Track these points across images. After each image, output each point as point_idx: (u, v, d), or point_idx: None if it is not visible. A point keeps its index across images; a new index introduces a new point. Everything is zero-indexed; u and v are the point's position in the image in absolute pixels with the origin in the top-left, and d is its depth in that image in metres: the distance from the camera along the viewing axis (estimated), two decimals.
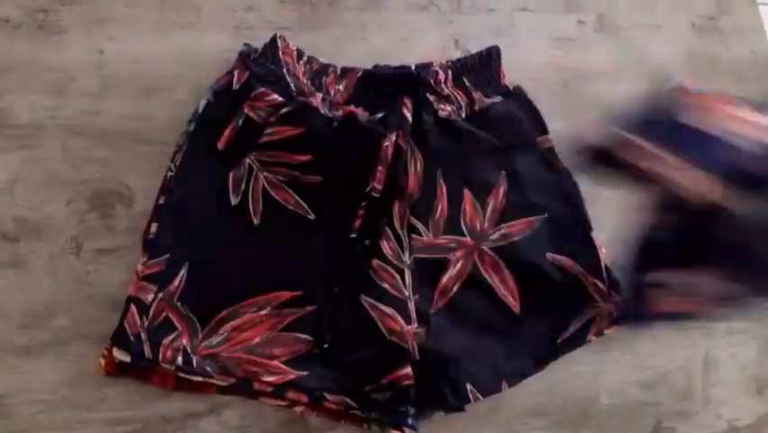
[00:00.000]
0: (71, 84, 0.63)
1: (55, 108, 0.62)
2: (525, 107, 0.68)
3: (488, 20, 0.76)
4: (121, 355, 0.54)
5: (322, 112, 0.62)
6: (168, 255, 0.57)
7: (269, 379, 0.56)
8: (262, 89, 0.61)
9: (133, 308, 0.55)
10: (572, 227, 0.66)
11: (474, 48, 0.71)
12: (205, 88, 0.63)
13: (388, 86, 0.65)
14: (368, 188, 0.61)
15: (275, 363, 0.57)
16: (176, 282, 0.57)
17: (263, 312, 0.58)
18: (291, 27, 0.70)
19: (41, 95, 0.63)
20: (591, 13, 0.80)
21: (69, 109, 0.63)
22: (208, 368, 0.56)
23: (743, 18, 0.85)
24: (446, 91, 0.66)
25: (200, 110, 0.62)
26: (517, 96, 0.69)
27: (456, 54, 0.73)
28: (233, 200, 0.60)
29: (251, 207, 0.61)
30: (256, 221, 0.61)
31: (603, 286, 0.64)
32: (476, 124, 0.67)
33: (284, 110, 0.61)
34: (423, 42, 0.73)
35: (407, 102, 0.64)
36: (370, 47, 0.72)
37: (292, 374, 0.57)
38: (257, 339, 0.58)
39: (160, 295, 0.56)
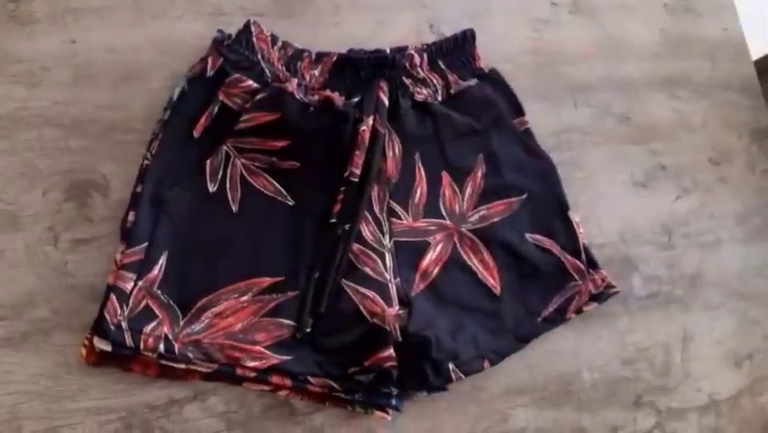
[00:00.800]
0: (44, 74, 0.63)
1: (29, 99, 0.62)
2: (501, 90, 0.69)
3: (462, 3, 0.76)
4: (102, 345, 0.54)
5: (297, 97, 0.62)
6: (146, 244, 0.57)
7: (252, 364, 0.56)
8: (237, 75, 0.61)
9: (113, 296, 0.55)
10: (550, 207, 0.67)
11: (449, 31, 0.72)
12: (180, 76, 0.63)
13: (363, 70, 0.65)
14: (346, 173, 0.61)
15: (257, 348, 0.57)
16: (155, 271, 0.57)
17: (244, 298, 0.58)
18: (265, 13, 0.70)
19: (14, 86, 0.62)
20: None
21: (43, 100, 0.62)
22: (190, 354, 0.56)
23: None
24: (422, 75, 0.67)
25: (175, 98, 0.61)
26: (493, 78, 0.69)
27: (431, 38, 0.73)
28: (211, 188, 0.60)
29: (229, 194, 0.61)
30: (234, 208, 0.61)
31: (582, 265, 0.65)
32: (452, 107, 0.67)
33: (259, 96, 0.61)
34: (398, 26, 0.74)
35: (383, 86, 0.64)
36: (345, 32, 0.72)
37: (275, 359, 0.57)
38: (238, 325, 0.58)
39: (140, 283, 0.56)
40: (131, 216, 0.58)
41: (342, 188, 0.61)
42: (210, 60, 0.62)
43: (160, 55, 0.66)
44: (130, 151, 0.62)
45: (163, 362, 0.55)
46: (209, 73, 0.61)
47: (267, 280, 0.59)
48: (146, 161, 0.60)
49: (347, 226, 0.60)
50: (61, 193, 0.60)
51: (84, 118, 0.62)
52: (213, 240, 0.60)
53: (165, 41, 0.66)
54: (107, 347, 0.54)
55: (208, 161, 0.60)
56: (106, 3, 0.66)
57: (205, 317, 0.57)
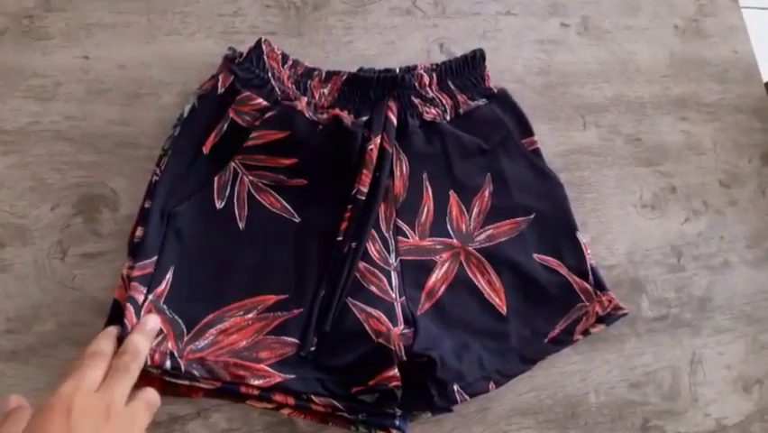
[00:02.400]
0: (57, 89, 0.63)
1: (40, 114, 0.62)
2: (510, 110, 0.69)
3: (472, 24, 0.77)
4: None
5: (307, 115, 0.62)
6: (156, 257, 0.57)
7: (256, 382, 0.56)
8: (247, 93, 0.61)
9: (130, 307, 0.54)
10: (558, 228, 0.66)
11: (459, 51, 0.72)
12: (191, 93, 0.63)
13: (372, 89, 0.65)
14: (353, 192, 0.61)
15: (261, 366, 0.57)
16: (163, 285, 0.57)
17: (249, 316, 0.58)
18: (277, 32, 0.71)
19: (27, 100, 0.63)
20: (575, 16, 0.81)
21: (55, 114, 0.63)
22: (195, 372, 0.55)
23: (725, 19, 0.86)
24: (431, 94, 0.67)
25: (185, 114, 0.62)
26: (502, 98, 0.69)
27: (441, 58, 0.73)
28: (219, 204, 0.60)
29: (236, 211, 0.61)
30: (241, 225, 0.61)
31: (589, 286, 0.64)
32: (461, 127, 0.67)
33: (269, 114, 0.61)
34: (408, 46, 0.74)
35: (392, 105, 0.65)
36: (356, 51, 0.72)
37: (279, 377, 0.56)
38: (243, 343, 0.57)
39: (150, 297, 0.56)
40: (139, 231, 0.58)
41: (350, 207, 0.61)
42: (221, 78, 0.62)
43: (172, 72, 0.66)
44: (139, 166, 0.62)
45: (167, 378, 0.55)
46: (220, 90, 0.62)
47: (272, 298, 0.59)
48: (155, 177, 0.60)
49: (353, 245, 0.60)
50: (70, 207, 0.60)
51: (95, 133, 0.63)
52: (219, 256, 0.60)
53: (177, 59, 0.67)
54: None
55: (216, 178, 0.61)
56: (120, 20, 0.67)
57: (209, 334, 0.57)
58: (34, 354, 0.56)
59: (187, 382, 0.55)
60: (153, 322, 0.53)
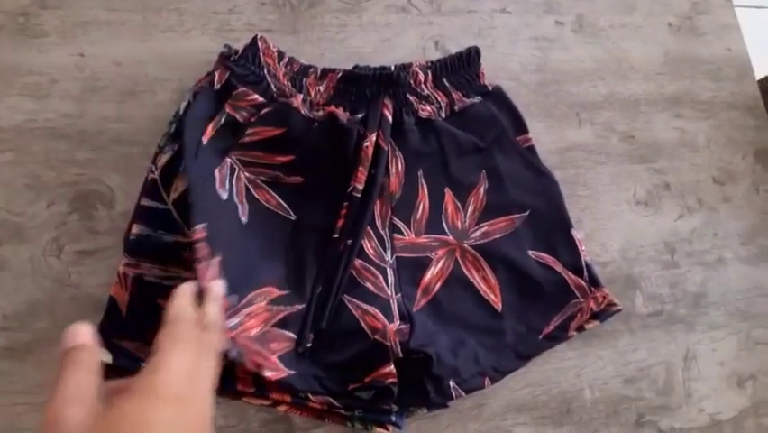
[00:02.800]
0: (52, 87, 0.63)
1: (36, 111, 0.62)
2: (505, 107, 0.69)
3: (467, 21, 0.77)
4: (102, 356, 0.54)
5: (302, 113, 0.62)
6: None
7: (269, 374, 0.55)
8: (243, 89, 0.61)
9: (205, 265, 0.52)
10: (553, 225, 0.67)
11: (454, 49, 0.72)
12: (186, 90, 0.63)
13: (368, 86, 0.65)
14: (349, 189, 0.61)
15: (273, 358, 0.56)
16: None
17: (262, 304, 0.58)
18: (272, 29, 0.71)
19: (22, 98, 0.63)
20: (570, 14, 0.81)
21: (50, 112, 0.63)
22: (231, 352, 0.54)
23: (719, 17, 0.87)
24: (426, 91, 0.67)
25: (181, 111, 0.62)
26: (497, 95, 0.69)
27: (436, 55, 0.74)
28: (224, 196, 0.60)
29: (238, 205, 0.61)
30: (244, 219, 0.61)
31: (584, 282, 0.65)
32: (456, 124, 0.67)
33: (265, 110, 0.61)
34: (403, 44, 0.74)
35: (388, 103, 0.65)
36: (351, 49, 0.72)
37: (284, 372, 0.56)
38: (255, 330, 0.57)
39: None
40: (134, 228, 0.58)
41: (345, 204, 0.61)
42: (217, 74, 0.62)
43: (167, 69, 0.66)
44: (135, 163, 0.62)
45: None
46: (216, 86, 0.62)
47: (276, 292, 0.59)
48: (151, 174, 0.60)
49: (349, 242, 0.61)
50: (66, 205, 0.60)
51: (90, 131, 0.63)
52: (231, 244, 0.59)
53: (172, 56, 0.67)
54: (108, 359, 0.54)
55: (217, 171, 0.61)
56: (115, 17, 0.67)
57: (241, 314, 0.55)
58: (30, 351, 0.56)
59: None
60: (219, 288, 0.49)
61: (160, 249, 0.58)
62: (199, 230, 0.53)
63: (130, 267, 0.57)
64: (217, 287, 0.49)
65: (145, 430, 0.34)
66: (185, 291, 0.45)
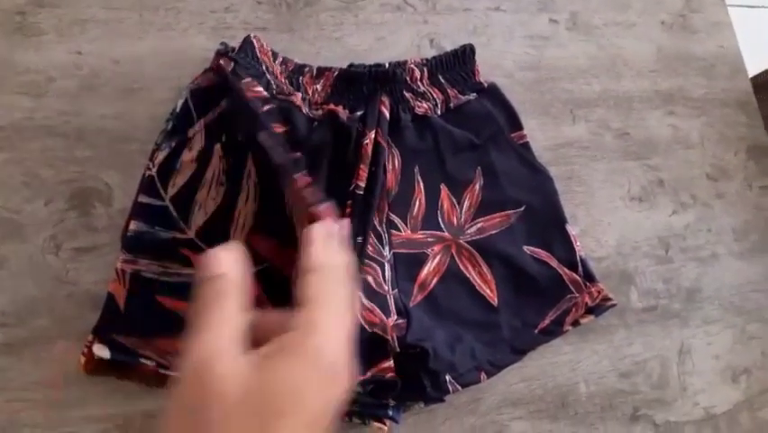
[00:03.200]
0: (50, 85, 0.64)
1: (33, 109, 0.63)
2: (500, 104, 0.70)
3: (462, 19, 0.78)
4: (100, 351, 0.54)
5: (303, 111, 0.63)
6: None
7: None
8: (249, 79, 0.62)
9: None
10: (548, 221, 0.67)
11: (449, 46, 0.73)
12: (183, 88, 0.64)
13: (365, 84, 0.66)
14: (351, 187, 0.62)
15: None
16: None
17: None
18: (268, 28, 0.71)
19: (20, 96, 0.63)
20: (564, 12, 0.82)
21: (48, 110, 0.63)
22: None
23: (712, 15, 0.87)
24: (422, 88, 0.68)
25: (178, 109, 0.62)
26: (492, 92, 0.70)
27: (431, 53, 0.74)
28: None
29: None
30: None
31: (579, 277, 0.65)
32: (452, 121, 0.68)
33: (267, 107, 0.61)
34: (398, 42, 0.75)
35: (386, 100, 0.65)
36: (347, 47, 0.73)
37: None
38: None
39: None
40: (132, 225, 0.58)
41: (349, 202, 0.62)
42: (223, 62, 0.62)
43: (165, 67, 0.67)
44: (133, 161, 0.62)
45: (162, 371, 0.56)
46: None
47: None
48: (148, 172, 0.61)
49: (360, 239, 0.61)
50: (64, 202, 0.61)
51: (88, 128, 0.63)
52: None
53: (169, 54, 0.67)
54: (106, 354, 0.55)
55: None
56: (113, 15, 0.68)
57: None
58: (29, 348, 0.56)
59: None
60: (346, 227, 0.44)
61: (157, 245, 0.58)
62: (302, 176, 0.51)
63: (128, 263, 0.57)
64: (345, 226, 0.43)
65: (300, 402, 0.31)
66: (322, 233, 0.39)
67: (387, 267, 0.62)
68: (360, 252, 0.60)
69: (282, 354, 0.32)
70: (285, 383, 0.31)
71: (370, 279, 0.60)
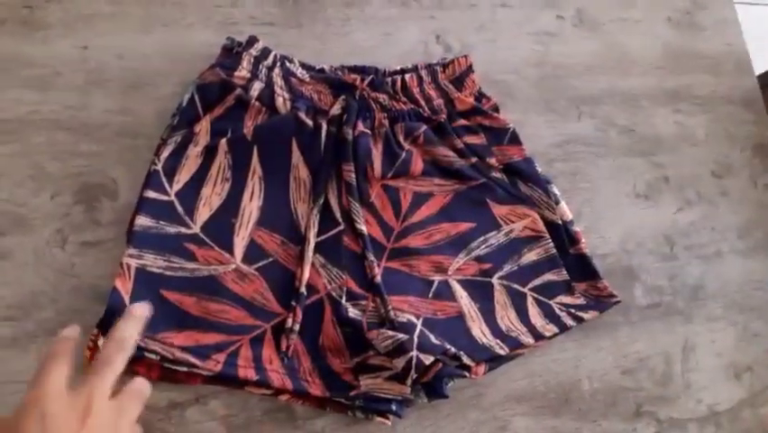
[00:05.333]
0: (56, 79, 0.64)
1: (40, 103, 0.63)
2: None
3: (468, 16, 0.77)
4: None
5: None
6: None
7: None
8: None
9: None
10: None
11: (455, 43, 0.73)
12: (189, 83, 0.64)
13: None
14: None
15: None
16: None
17: None
18: (275, 23, 0.71)
19: (26, 90, 0.63)
20: (570, 8, 0.82)
21: (54, 104, 0.63)
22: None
23: (718, 12, 0.87)
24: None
25: (184, 104, 0.62)
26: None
27: (437, 49, 0.74)
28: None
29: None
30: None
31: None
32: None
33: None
34: (404, 38, 0.75)
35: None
36: (353, 43, 0.73)
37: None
38: None
39: None
40: (138, 220, 0.59)
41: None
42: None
43: (170, 62, 0.67)
44: (138, 155, 0.62)
45: (166, 364, 0.56)
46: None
47: None
48: (154, 166, 0.61)
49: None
50: (70, 196, 0.61)
51: (94, 123, 0.63)
52: None
53: (175, 49, 0.67)
54: None
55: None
56: (119, 10, 0.68)
57: None
58: (34, 341, 0.57)
59: (185, 369, 0.56)
60: (142, 309, 0.49)
61: (162, 240, 0.59)
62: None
63: (133, 258, 0.57)
64: (140, 308, 0.50)
65: None
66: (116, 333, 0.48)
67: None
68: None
69: None
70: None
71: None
